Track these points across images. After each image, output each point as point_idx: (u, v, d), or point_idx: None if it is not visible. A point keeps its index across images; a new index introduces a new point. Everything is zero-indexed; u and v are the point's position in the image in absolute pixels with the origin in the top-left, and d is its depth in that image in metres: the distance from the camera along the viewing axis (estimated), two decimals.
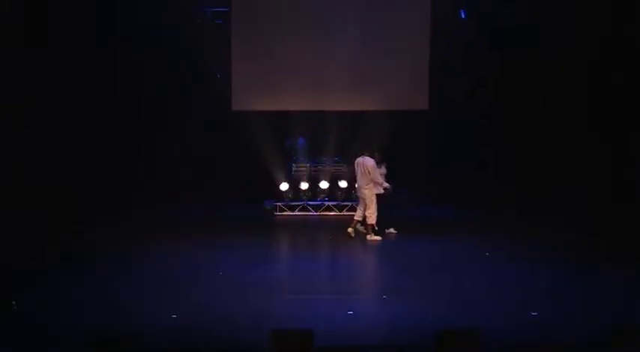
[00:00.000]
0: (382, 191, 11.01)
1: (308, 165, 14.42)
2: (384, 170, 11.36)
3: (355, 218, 11.11)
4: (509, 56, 13.94)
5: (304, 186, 14.05)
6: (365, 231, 11.00)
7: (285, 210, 13.99)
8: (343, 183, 13.93)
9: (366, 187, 10.88)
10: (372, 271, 9.02)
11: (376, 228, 10.86)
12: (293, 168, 14.44)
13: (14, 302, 6.68)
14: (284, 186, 14.11)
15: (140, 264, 9.01)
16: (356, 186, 11.38)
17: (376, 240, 10.74)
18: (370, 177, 10.80)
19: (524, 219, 12.49)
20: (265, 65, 14.75)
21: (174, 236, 10.95)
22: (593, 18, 11.79)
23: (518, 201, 13.13)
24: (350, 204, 13.65)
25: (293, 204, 14.08)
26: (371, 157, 10.92)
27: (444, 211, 14.15)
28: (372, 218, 10.79)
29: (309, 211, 13.99)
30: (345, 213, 13.54)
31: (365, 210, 10.88)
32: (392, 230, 11.26)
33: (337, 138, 14.32)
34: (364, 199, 10.89)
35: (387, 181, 11.20)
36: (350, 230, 11.00)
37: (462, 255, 9.75)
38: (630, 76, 11.35)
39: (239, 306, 7.01)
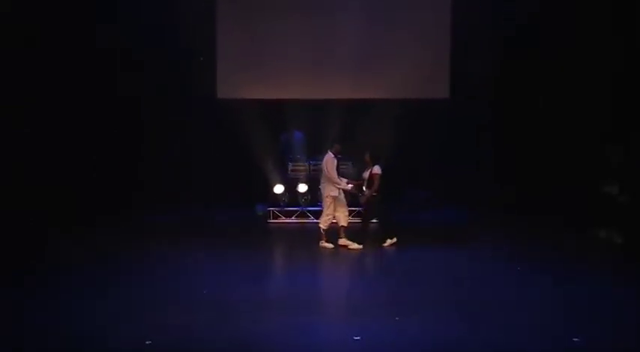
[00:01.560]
0: (337, 193, 11.20)
1: (307, 163, 14.37)
2: (377, 170, 11.27)
3: (340, 225, 11.32)
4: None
5: (302, 188, 14.00)
6: (344, 240, 11.23)
7: (280, 217, 13.99)
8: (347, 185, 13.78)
9: (320, 185, 11.43)
10: (381, 287, 8.94)
11: (322, 233, 11.21)
12: (289, 168, 14.42)
13: None
14: (279, 189, 14.07)
15: (112, 278, 9.08)
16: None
17: (326, 248, 11.12)
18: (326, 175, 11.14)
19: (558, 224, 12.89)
20: (256, 46, 14.95)
21: (147, 246, 11.12)
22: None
23: (546, 203, 13.54)
24: (357, 209, 13.57)
25: (289, 209, 14.07)
26: (331, 151, 11.22)
27: (466, 214, 14.37)
28: (325, 221, 11.21)
29: (308, 218, 13.95)
30: (351, 220, 13.45)
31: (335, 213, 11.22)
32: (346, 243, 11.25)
33: (341, 132, 14.24)
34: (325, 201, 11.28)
35: (377, 183, 11.26)
36: (341, 241, 11.26)
37: (486, 266, 9.91)
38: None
39: (224, 331, 6.99)
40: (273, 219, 13.96)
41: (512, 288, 8.68)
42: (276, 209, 14.04)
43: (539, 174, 14.08)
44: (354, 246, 11.12)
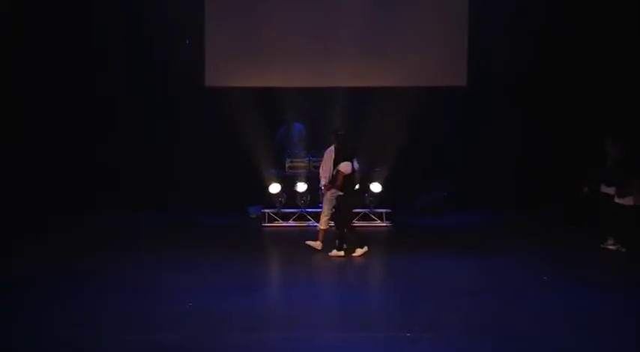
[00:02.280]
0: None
1: (306, 159, 14.21)
2: (344, 167, 11.08)
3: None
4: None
5: (301, 187, 13.85)
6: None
7: (277, 220, 13.87)
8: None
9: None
10: (389, 299, 8.88)
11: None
12: (287, 164, 14.27)
13: None
14: (275, 188, 13.94)
15: (85, 288, 9.03)
16: None
17: (314, 248, 11.43)
18: None
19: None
20: (249, 28, 14.90)
21: (129, 252, 11.13)
22: None
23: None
24: (362, 211, 13.38)
25: (286, 211, 13.93)
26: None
27: (487, 218, 14.46)
28: (323, 222, 11.52)
29: (308, 221, 13.79)
30: (356, 224, 13.21)
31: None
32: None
33: (344, 123, 14.03)
34: None
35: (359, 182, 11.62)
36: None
37: (510, 277, 9.87)
38: None
39: (212, 348, 6.98)
40: (268, 222, 13.85)
41: (541, 301, 8.59)
42: (272, 211, 13.90)
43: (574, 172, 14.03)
44: (334, 252, 11.16)
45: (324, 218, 11.43)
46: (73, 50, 14.32)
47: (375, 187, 13.66)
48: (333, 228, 11.37)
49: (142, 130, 14.93)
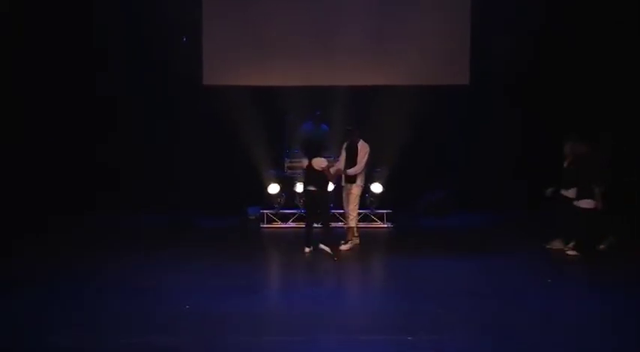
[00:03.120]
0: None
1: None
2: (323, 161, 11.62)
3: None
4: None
5: (301, 188, 13.71)
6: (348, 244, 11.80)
7: (275, 221, 13.89)
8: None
9: None
10: (390, 301, 8.88)
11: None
12: (286, 164, 14.29)
13: None
14: (274, 189, 13.97)
15: (85, 288, 9.06)
16: None
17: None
18: None
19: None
20: (248, 26, 14.87)
21: (129, 252, 11.19)
22: None
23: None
24: (363, 212, 13.41)
25: (285, 212, 13.95)
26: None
27: (488, 218, 14.47)
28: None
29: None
30: (357, 225, 13.27)
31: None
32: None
33: (345, 122, 14.03)
34: None
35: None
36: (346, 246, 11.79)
37: (511, 277, 9.90)
38: None
39: (211, 350, 7.01)
40: (267, 223, 13.86)
41: (542, 301, 8.63)
42: (271, 212, 13.92)
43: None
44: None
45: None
46: (72, 50, 14.35)
47: (376, 188, 13.68)
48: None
49: (142, 130, 14.93)
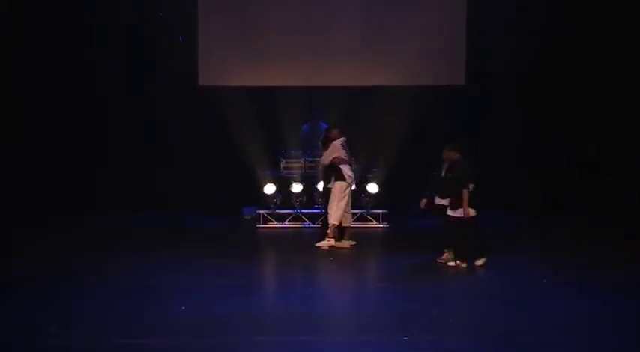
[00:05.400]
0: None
1: (302, 159, 14.22)
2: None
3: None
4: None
5: (297, 188, 13.87)
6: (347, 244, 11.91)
7: (271, 221, 13.92)
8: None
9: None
10: (388, 302, 8.87)
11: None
12: (282, 164, 14.30)
13: None
14: (270, 189, 13.95)
15: (85, 288, 9.06)
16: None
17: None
18: None
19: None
20: (244, 26, 14.92)
21: (129, 252, 11.19)
22: None
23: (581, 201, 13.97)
24: (359, 212, 13.51)
25: (282, 212, 13.99)
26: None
27: (483, 218, 14.17)
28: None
29: (304, 222, 13.87)
30: (353, 225, 13.35)
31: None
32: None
33: (341, 123, 14.10)
34: None
35: None
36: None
37: (509, 278, 9.91)
38: None
39: (210, 351, 6.98)
40: (263, 223, 13.89)
41: (541, 302, 8.65)
42: (267, 212, 13.94)
43: (575, 169, 14.47)
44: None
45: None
46: (71, 50, 14.37)
47: (372, 188, 13.70)
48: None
49: (141, 130, 14.96)
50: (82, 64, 14.48)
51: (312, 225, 13.69)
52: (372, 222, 13.69)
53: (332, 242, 11.70)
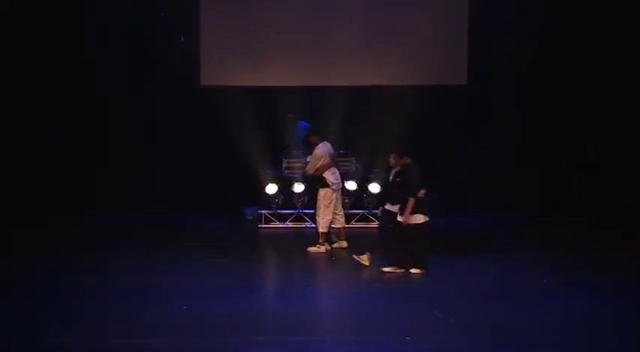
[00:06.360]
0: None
1: (303, 160, 13.91)
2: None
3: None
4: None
5: (298, 188, 13.84)
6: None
7: (273, 221, 13.94)
8: (351, 185, 13.67)
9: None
10: (390, 303, 8.82)
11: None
12: (283, 164, 14.29)
13: None
14: (271, 189, 13.97)
15: (85, 288, 9.08)
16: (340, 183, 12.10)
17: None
18: None
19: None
20: (246, 26, 14.91)
21: (129, 252, 11.22)
22: None
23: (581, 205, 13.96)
24: (361, 212, 13.50)
25: (283, 212, 14.00)
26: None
27: (489, 220, 14.49)
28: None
29: (305, 222, 13.85)
30: (354, 225, 13.40)
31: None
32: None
33: (343, 122, 14.14)
34: None
35: None
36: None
37: (510, 278, 9.92)
38: None
39: (210, 350, 6.98)
40: (264, 223, 13.91)
41: (542, 303, 8.64)
42: (269, 212, 13.96)
43: (575, 171, 14.53)
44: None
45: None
46: (71, 50, 14.39)
47: (374, 188, 13.67)
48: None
49: (141, 130, 14.97)
50: (82, 64, 14.49)
51: (313, 225, 13.60)
52: (374, 222, 13.62)
53: (322, 249, 11.62)
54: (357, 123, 14.01)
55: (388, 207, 10.36)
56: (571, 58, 14.59)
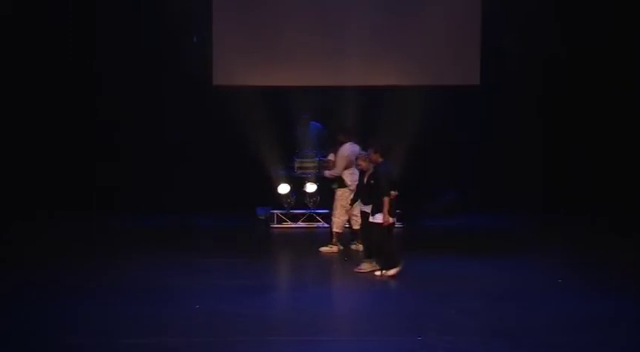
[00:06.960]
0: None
1: (316, 159, 14.08)
2: None
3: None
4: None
5: (310, 188, 13.87)
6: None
7: (285, 221, 13.94)
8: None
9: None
10: (402, 302, 8.86)
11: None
12: (296, 164, 14.22)
13: None
14: (284, 189, 14.00)
15: (86, 288, 9.05)
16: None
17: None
18: None
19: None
20: (258, 26, 14.98)
21: (135, 253, 11.19)
22: None
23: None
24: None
25: (295, 212, 14.00)
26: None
27: (503, 219, 14.50)
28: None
29: (318, 222, 13.86)
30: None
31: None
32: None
33: (355, 123, 14.07)
34: None
35: None
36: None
37: (524, 279, 9.88)
38: None
39: (221, 350, 6.95)
40: (277, 223, 13.92)
41: (555, 304, 8.56)
42: (281, 212, 13.98)
43: (589, 171, 14.38)
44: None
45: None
46: (80, 50, 14.48)
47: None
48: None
49: (152, 130, 15.04)
50: (95, 65, 14.61)
51: (325, 225, 13.60)
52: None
53: (334, 249, 11.57)
54: (369, 123, 13.94)
55: (362, 207, 10.33)
56: (582, 58, 14.54)
